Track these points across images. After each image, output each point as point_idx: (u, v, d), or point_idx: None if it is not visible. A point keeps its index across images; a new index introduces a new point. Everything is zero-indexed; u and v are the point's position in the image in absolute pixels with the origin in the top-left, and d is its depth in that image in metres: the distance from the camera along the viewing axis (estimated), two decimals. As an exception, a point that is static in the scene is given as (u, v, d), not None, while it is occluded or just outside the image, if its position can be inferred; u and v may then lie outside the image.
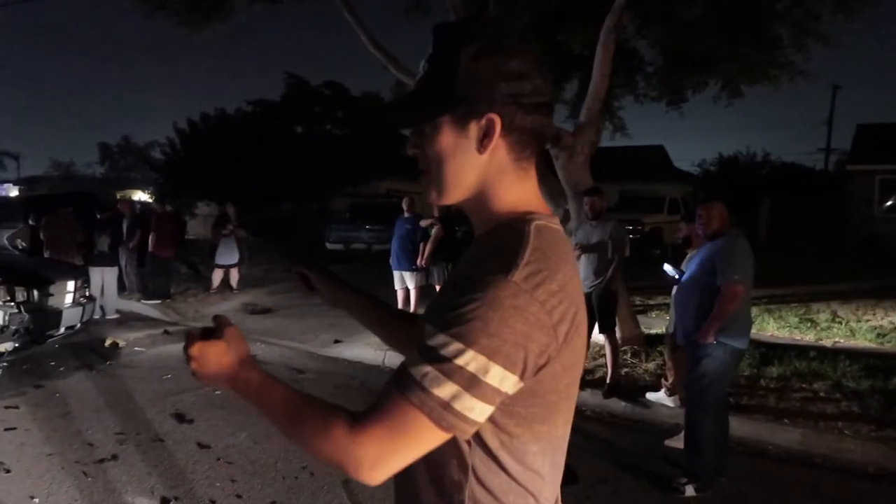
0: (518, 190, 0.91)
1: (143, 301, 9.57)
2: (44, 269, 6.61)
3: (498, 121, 0.85)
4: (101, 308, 8.26)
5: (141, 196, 31.23)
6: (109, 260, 8.92)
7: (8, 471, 3.49)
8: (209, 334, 0.92)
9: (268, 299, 10.42)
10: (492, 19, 1.12)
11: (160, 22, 7.44)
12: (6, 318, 5.68)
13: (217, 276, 10.63)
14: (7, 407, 4.61)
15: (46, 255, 8.95)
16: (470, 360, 0.74)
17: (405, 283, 8.04)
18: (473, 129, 0.86)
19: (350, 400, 5.14)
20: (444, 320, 0.77)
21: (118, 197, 20.03)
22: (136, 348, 6.79)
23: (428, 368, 0.75)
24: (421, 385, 0.75)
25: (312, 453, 0.81)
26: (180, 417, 4.51)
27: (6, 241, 11.04)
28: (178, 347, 5.91)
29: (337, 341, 7.36)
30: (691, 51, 7.11)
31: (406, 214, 8.14)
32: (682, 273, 4.15)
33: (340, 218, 17.33)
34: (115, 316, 8.63)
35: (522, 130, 0.87)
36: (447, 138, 0.88)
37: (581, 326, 0.85)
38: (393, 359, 6.56)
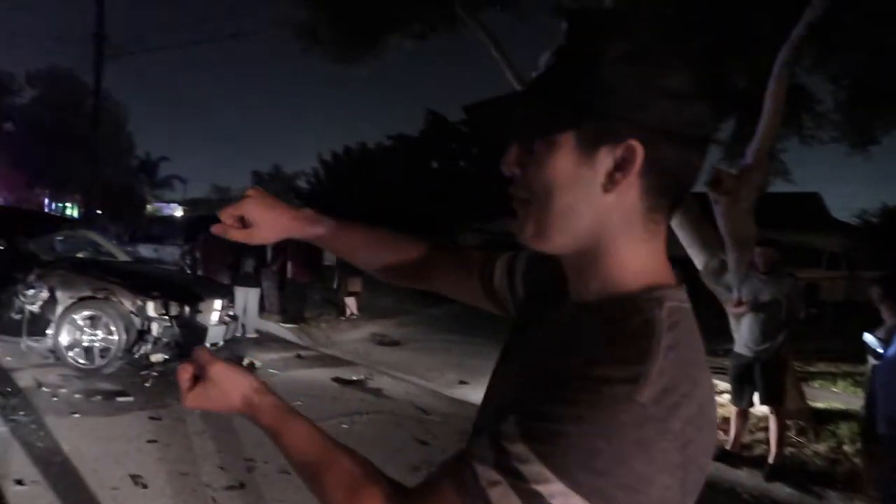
0: (645, 251, 0.67)
1: (280, 324, 9.94)
2: (195, 286, 6.99)
3: (641, 151, 0.61)
4: (243, 326, 8.64)
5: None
6: (253, 281, 9.36)
7: (145, 486, 3.52)
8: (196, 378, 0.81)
9: (396, 331, 10.47)
10: (650, 14, 0.75)
11: (315, 58, 7.80)
12: (160, 330, 6.02)
13: (351, 302, 10.86)
14: (151, 418, 4.77)
15: (200, 272, 9.58)
16: (557, 493, 0.54)
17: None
18: (604, 157, 0.63)
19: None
20: (532, 426, 0.57)
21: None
22: (269, 370, 6.94)
23: (499, 478, 0.56)
24: (485, 495, 0.57)
25: None
26: (308, 449, 4.43)
27: (178, 259, 12.06)
28: (309, 373, 5.94)
29: (462, 382, 7.13)
30: (883, 84, 6.26)
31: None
32: (885, 346, 3.47)
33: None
34: (254, 335, 8.97)
35: (667, 171, 0.63)
36: (564, 163, 0.64)
37: (712, 446, 0.63)
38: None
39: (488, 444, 0.59)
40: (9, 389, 5.16)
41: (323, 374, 7.00)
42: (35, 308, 5.99)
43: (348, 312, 10.79)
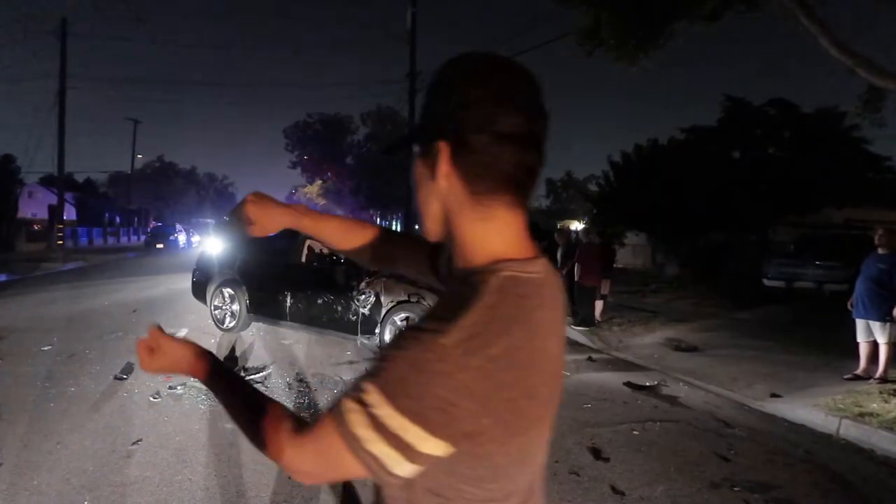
0: (485, 229, 0.85)
1: (571, 326, 10.10)
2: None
3: (444, 147, 0.83)
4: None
5: (577, 226, 33.82)
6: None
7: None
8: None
9: (695, 336, 9.79)
10: (483, 53, 0.88)
11: (597, 60, 7.76)
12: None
13: (598, 306, 10.51)
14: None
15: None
16: (387, 415, 0.72)
17: (872, 336, 6.48)
18: (431, 157, 0.85)
19: (790, 471, 4.27)
20: (374, 365, 0.77)
21: (557, 227, 22.09)
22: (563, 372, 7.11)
23: (354, 406, 0.75)
24: (346, 421, 0.75)
25: (256, 446, 0.87)
26: (596, 453, 4.43)
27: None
28: (601, 376, 5.92)
29: (775, 395, 6.34)
30: None
31: (881, 251, 6.53)
32: None
33: (783, 251, 15.30)
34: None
35: (478, 162, 0.83)
36: (418, 168, 0.89)
37: (540, 389, 0.79)
38: (850, 429, 5.28)
39: (352, 384, 0.78)
40: (350, 379, 6.24)
41: (614, 378, 6.92)
42: (365, 310, 7.14)
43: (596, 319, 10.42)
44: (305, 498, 3.56)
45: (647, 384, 6.66)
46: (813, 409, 5.78)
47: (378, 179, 39.53)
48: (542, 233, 11.81)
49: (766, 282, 14.48)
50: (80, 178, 54.97)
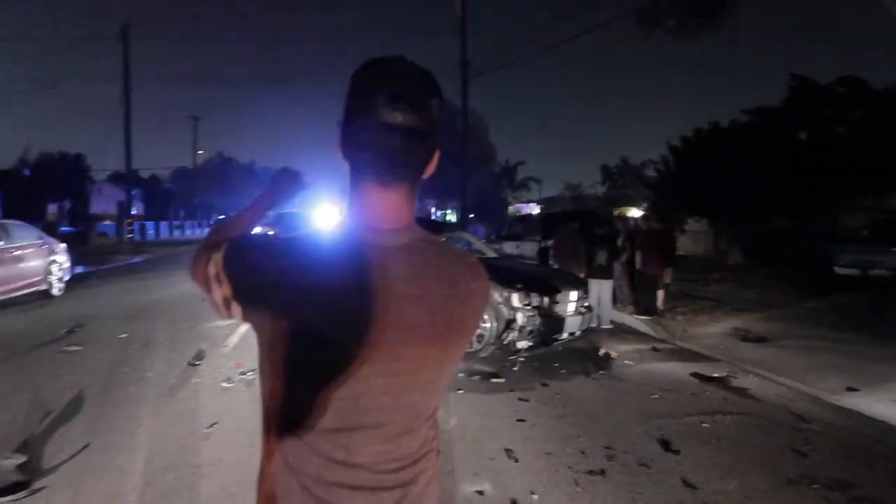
0: (359, 203, 1.00)
1: (634, 315, 9.90)
2: (552, 278, 7.45)
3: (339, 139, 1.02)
4: (598, 318, 8.88)
5: (634, 212, 33.10)
6: (606, 273, 9.54)
7: (516, 460, 3.93)
8: None
9: (762, 326, 9.45)
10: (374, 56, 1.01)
11: (658, 41, 7.51)
12: (525, 319, 6.60)
13: (660, 296, 10.21)
14: (520, 399, 5.28)
15: (556, 265, 10.16)
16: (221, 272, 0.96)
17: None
18: None
19: (870, 469, 4.08)
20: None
21: (614, 214, 21.67)
22: (625, 361, 6.99)
23: (217, 257, 0.97)
24: (212, 260, 0.97)
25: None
26: (665, 444, 4.34)
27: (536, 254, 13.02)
28: (666, 366, 5.79)
29: (851, 389, 6.06)
30: None
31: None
32: None
33: (856, 237, 14.56)
34: (609, 326, 9.14)
35: (351, 150, 0.99)
36: None
37: (313, 293, 0.91)
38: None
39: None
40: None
41: (680, 369, 6.75)
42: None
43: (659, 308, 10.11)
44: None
45: (716, 375, 6.48)
46: (893, 405, 5.50)
47: (435, 170, 39.71)
48: (600, 220, 11.60)
49: (837, 269, 13.83)
50: (145, 174, 57.21)
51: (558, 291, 6.88)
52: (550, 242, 12.98)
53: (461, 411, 4.90)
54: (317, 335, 0.91)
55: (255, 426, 4.40)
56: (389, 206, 0.98)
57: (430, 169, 1.03)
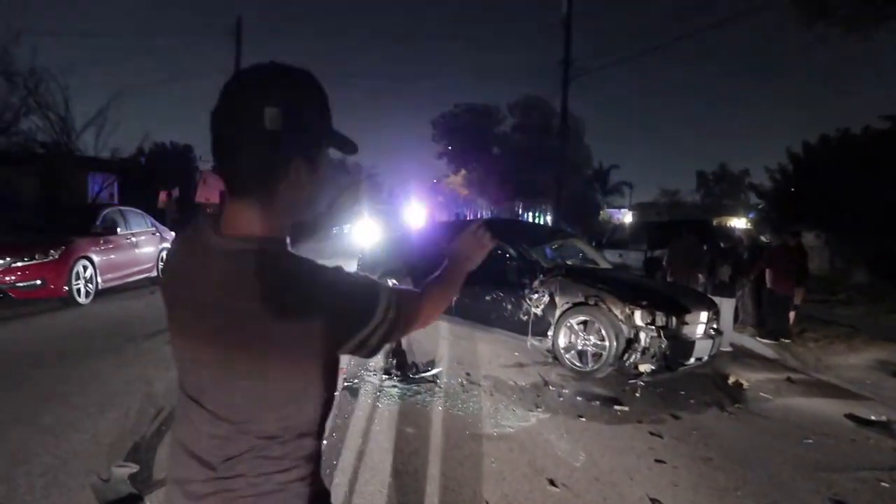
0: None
1: (757, 338, 8.98)
2: (681, 296, 6.74)
3: None
4: (719, 340, 8.07)
5: (737, 223, 31.07)
6: (728, 290, 8.70)
7: (667, 515, 3.36)
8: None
9: (912, 360, 8.30)
10: None
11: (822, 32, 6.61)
12: (647, 340, 5.96)
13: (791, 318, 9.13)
14: (651, 434, 4.68)
15: (669, 279, 9.38)
16: None
17: None
18: None
19: None
20: None
21: (713, 224, 20.25)
22: (760, 393, 6.21)
23: None
24: None
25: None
26: (844, 509, 3.63)
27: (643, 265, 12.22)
28: (810, 403, 4.96)
29: None
30: None
31: None
32: None
33: None
34: (728, 349, 8.29)
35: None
36: None
37: (174, 299, 1.09)
38: None
39: None
40: (524, 384, 5.82)
41: (828, 407, 5.91)
42: (538, 311, 6.67)
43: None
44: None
45: (874, 419, 5.60)
46: None
47: (525, 171, 38.94)
48: (721, 232, 10.65)
49: None
50: (246, 165, 59.56)
51: (687, 311, 6.18)
52: (659, 253, 12.16)
53: (587, 444, 4.36)
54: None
55: (344, 423, 4.08)
56: (234, 214, 1.03)
57: (294, 182, 1.01)
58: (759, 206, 24.05)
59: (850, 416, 5.61)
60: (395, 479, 3.59)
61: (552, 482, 3.64)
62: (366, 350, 1.06)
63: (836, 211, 16.71)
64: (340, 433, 4.23)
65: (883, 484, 4.08)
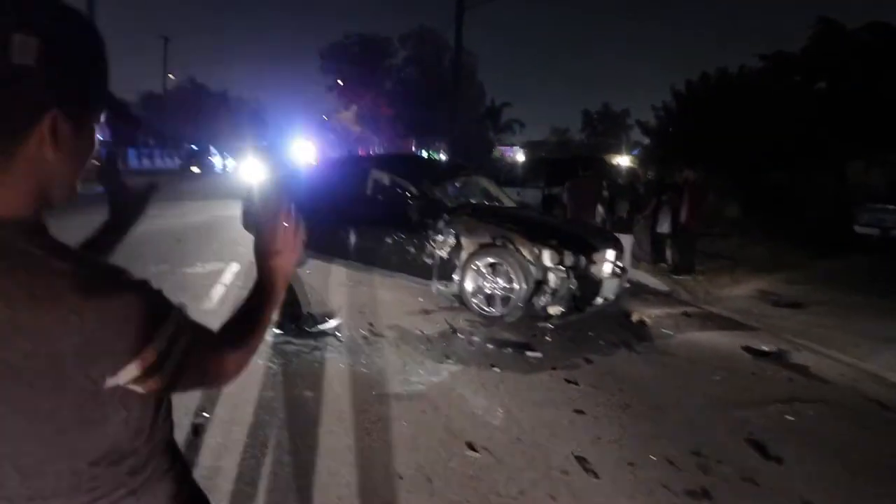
0: None
1: (671, 276, 9.21)
2: (587, 234, 6.56)
3: None
4: (618, 276, 8.13)
5: (620, 161, 32.22)
6: (626, 227, 8.75)
7: (596, 475, 3.12)
8: None
9: (788, 289, 8.84)
10: None
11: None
12: (557, 281, 5.75)
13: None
14: (567, 381, 4.47)
15: (568, 216, 9.29)
16: None
17: None
18: None
19: None
20: None
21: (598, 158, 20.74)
22: (662, 329, 6.25)
23: None
24: None
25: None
26: (761, 449, 3.58)
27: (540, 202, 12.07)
28: (708, 337, 4.91)
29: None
30: None
31: None
32: None
33: (877, 195, 13.92)
34: (626, 286, 8.39)
35: None
36: None
37: None
38: None
39: None
40: (432, 334, 5.45)
41: (724, 339, 6.06)
42: (443, 253, 6.27)
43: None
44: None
45: (765, 349, 5.79)
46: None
47: (419, 107, 37.95)
48: (602, 167, 10.69)
49: (857, 228, 13.25)
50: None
51: (595, 250, 6.01)
52: (557, 190, 12.13)
53: (504, 398, 4.07)
54: None
55: (233, 390, 3.55)
56: None
57: (48, 142, 0.75)
58: (645, 144, 24.88)
59: (747, 349, 5.76)
60: (294, 457, 3.10)
61: (471, 446, 3.31)
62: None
63: (711, 148, 17.46)
64: (226, 405, 3.65)
65: (788, 417, 4.13)
